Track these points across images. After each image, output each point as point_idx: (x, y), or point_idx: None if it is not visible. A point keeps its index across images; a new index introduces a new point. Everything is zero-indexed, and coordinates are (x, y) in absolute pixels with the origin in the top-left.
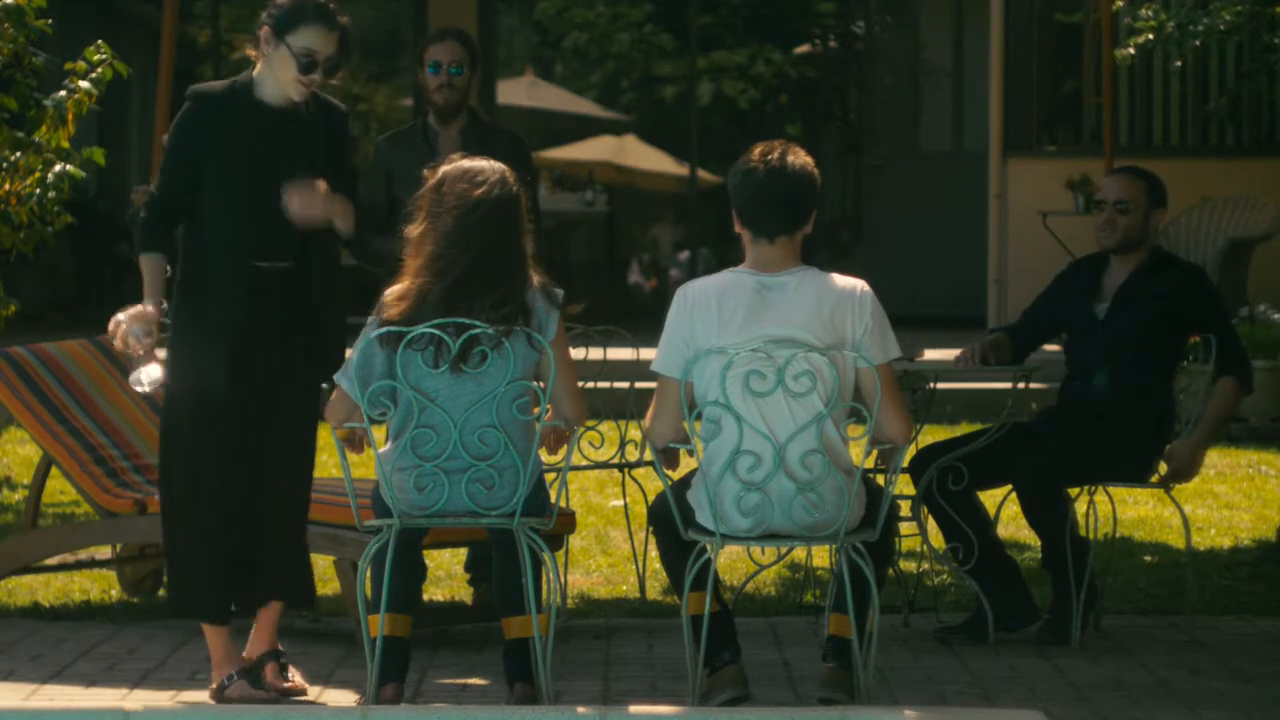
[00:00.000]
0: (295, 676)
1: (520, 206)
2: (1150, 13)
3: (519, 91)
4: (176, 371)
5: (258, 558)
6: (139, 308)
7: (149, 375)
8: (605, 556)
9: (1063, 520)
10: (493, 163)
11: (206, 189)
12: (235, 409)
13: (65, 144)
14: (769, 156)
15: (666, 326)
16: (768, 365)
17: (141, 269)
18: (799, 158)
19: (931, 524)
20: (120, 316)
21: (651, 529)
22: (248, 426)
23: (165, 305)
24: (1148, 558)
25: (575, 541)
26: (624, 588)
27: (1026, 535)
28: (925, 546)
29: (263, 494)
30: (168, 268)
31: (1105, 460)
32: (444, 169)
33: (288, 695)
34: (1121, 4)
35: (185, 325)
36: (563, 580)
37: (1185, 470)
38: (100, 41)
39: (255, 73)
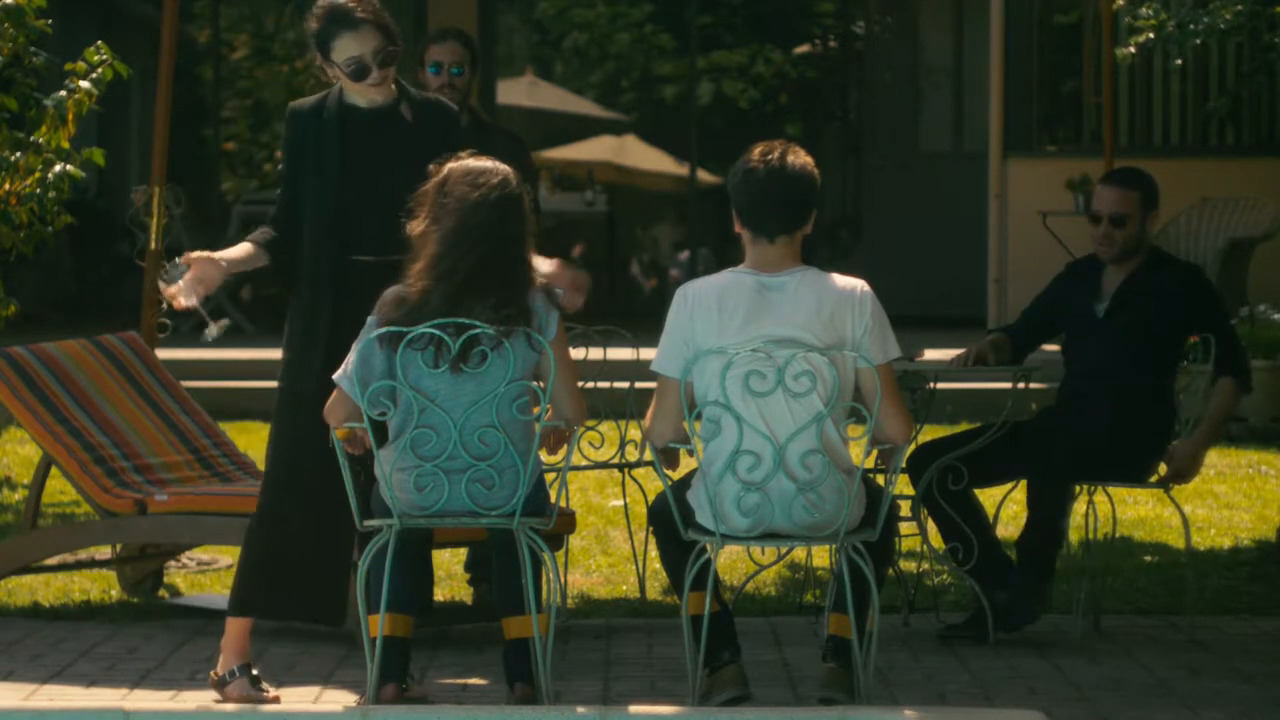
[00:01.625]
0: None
1: (523, 208)
2: (1150, 11)
3: (519, 91)
4: (281, 369)
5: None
6: (195, 257)
7: (219, 326)
8: (605, 556)
9: (1065, 511)
10: (498, 164)
11: (306, 194)
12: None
13: (65, 144)
14: (769, 156)
15: (666, 326)
16: (768, 365)
17: (248, 239)
18: (799, 157)
19: (931, 524)
20: (179, 261)
21: (651, 529)
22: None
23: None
24: (1148, 558)
25: (575, 541)
26: (624, 588)
27: None
28: (925, 546)
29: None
30: (256, 255)
31: (1106, 460)
32: (449, 167)
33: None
34: (1122, 3)
35: (289, 323)
36: (563, 580)
37: (1186, 471)
38: (100, 42)
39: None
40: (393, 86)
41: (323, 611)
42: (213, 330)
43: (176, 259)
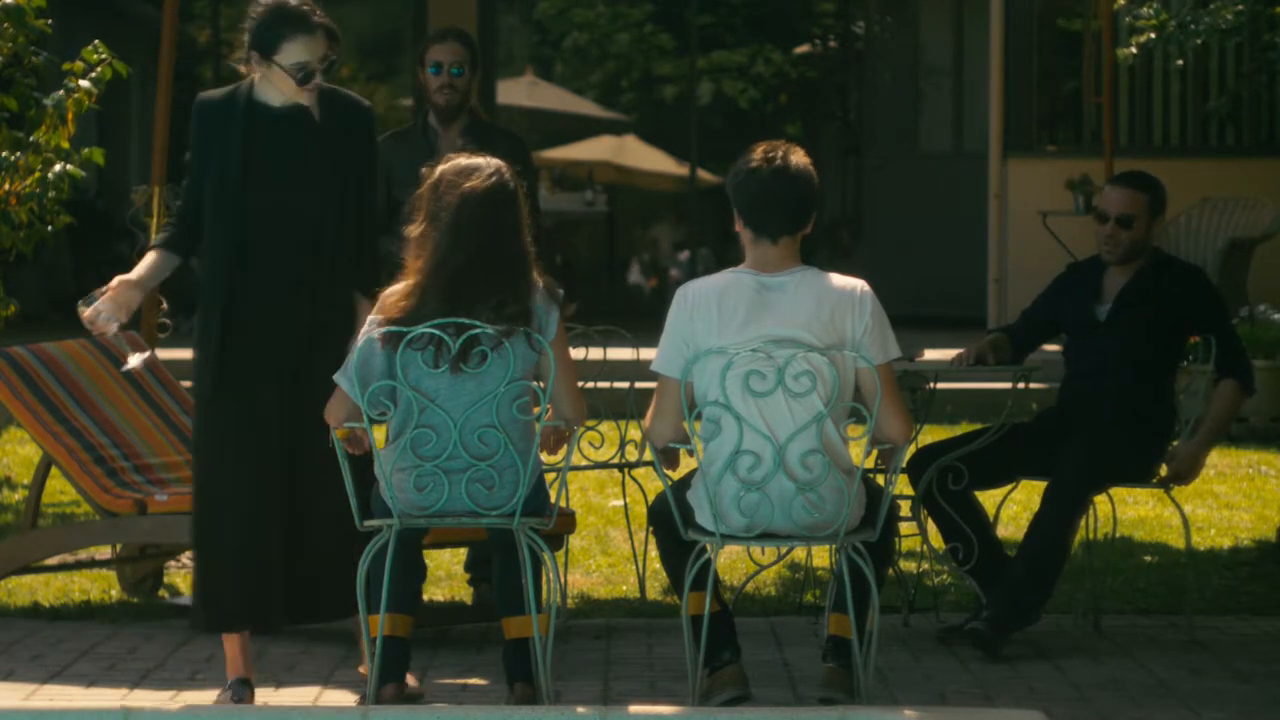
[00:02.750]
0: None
1: (518, 202)
2: (1151, 11)
3: (519, 91)
4: (194, 377)
5: (304, 579)
6: (113, 283)
7: (136, 357)
8: (605, 556)
9: (1075, 528)
10: (489, 159)
11: (208, 192)
12: (242, 411)
13: (65, 144)
14: (771, 156)
15: (666, 326)
16: (768, 365)
17: (146, 258)
18: (800, 158)
19: (931, 524)
20: (96, 293)
21: (651, 529)
22: (261, 431)
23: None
24: (1148, 558)
25: (575, 541)
26: (624, 588)
27: None
28: (925, 546)
29: (302, 509)
30: (167, 260)
31: (1107, 460)
32: (440, 168)
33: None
34: (1123, 3)
35: (197, 329)
36: (563, 580)
37: (1187, 473)
38: (99, 41)
39: (257, 78)
40: None
41: (262, 616)
42: (134, 361)
43: (95, 291)
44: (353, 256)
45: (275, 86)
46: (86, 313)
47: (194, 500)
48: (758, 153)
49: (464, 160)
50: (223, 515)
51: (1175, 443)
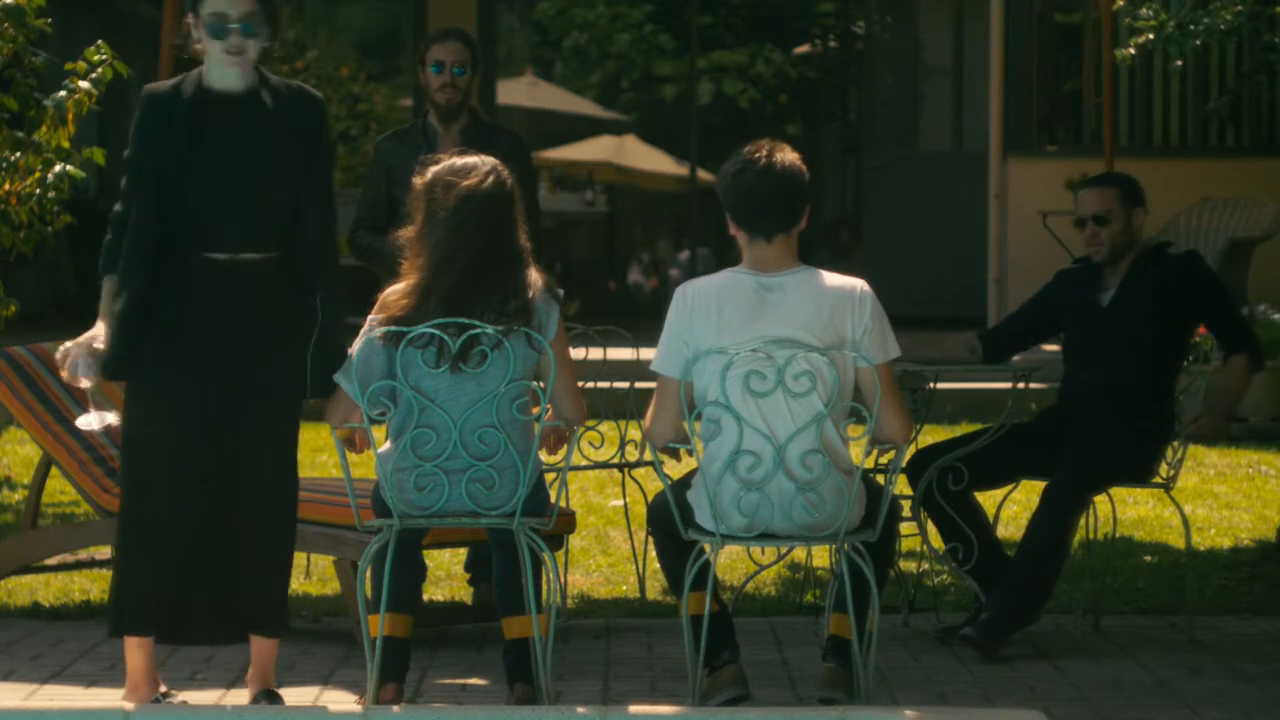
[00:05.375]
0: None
1: (514, 200)
2: (1150, 12)
3: (519, 91)
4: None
5: (229, 588)
6: (89, 335)
7: (100, 418)
8: (605, 556)
9: (1074, 529)
10: (483, 157)
11: (160, 184)
12: (191, 416)
13: (65, 144)
14: (755, 157)
15: (666, 326)
16: (768, 365)
17: (103, 291)
18: (784, 155)
19: (931, 524)
20: (68, 345)
21: (650, 530)
22: (208, 436)
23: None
24: (1148, 558)
25: (575, 541)
26: (624, 588)
27: None
28: (925, 546)
29: (235, 518)
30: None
31: (1107, 460)
32: (432, 170)
33: None
34: (1122, 3)
35: (120, 317)
36: (563, 580)
37: (1210, 434)
38: (100, 41)
39: (206, 58)
40: (253, 71)
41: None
42: (94, 422)
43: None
44: (307, 253)
45: (213, 60)
46: (64, 374)
47: (128, 499)
48: (743, 154)
49: (457, 160)
50: (161, 520)
51: (1175, 443)
